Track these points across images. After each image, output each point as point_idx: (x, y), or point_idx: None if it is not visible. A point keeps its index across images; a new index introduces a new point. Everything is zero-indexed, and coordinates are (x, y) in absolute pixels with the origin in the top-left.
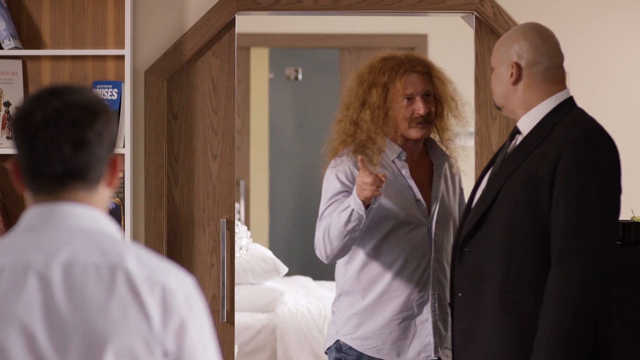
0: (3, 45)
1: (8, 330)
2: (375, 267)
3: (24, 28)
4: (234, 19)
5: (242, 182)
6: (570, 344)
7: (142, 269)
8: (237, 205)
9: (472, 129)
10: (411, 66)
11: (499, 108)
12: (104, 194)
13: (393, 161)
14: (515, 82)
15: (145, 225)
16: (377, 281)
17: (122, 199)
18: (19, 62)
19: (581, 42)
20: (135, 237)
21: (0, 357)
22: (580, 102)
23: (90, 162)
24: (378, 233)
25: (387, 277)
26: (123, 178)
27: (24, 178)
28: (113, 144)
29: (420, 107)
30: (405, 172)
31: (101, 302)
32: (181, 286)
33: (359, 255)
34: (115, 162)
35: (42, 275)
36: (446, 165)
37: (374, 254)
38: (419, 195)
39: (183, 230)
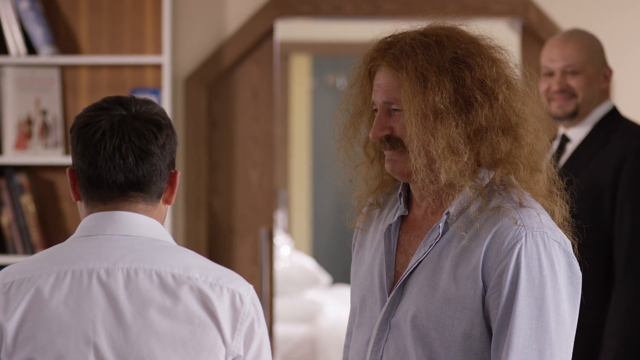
0: (41, 51)
1: (69, 339)
2: None
3: (61, 34)
4: (274, 26)
5: (283, 191)
6: (637, 354)
7: (207, 276)
8: (278, 214)
9: None
10: (381, 55)
11: (572, 115)
12: (161, 210)
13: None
14: (606, 87)
15: (185, 234)
16: None
17: None
18: (56, 69)
19: (627, 49)
20: None
21: None
22: (626, 110)
23: (152, 174)
24: None
25: None
26: None
27: (83, 186)
28: (173, 160)
29: (372, 130)
30: (394, 223)
31: (167, 309)
32: (247, 291)
33: None
34: (174, 179)
35: (105, 282)
36: (472, 232)
37: None
38: (382, 267)
39: (222, 239)
